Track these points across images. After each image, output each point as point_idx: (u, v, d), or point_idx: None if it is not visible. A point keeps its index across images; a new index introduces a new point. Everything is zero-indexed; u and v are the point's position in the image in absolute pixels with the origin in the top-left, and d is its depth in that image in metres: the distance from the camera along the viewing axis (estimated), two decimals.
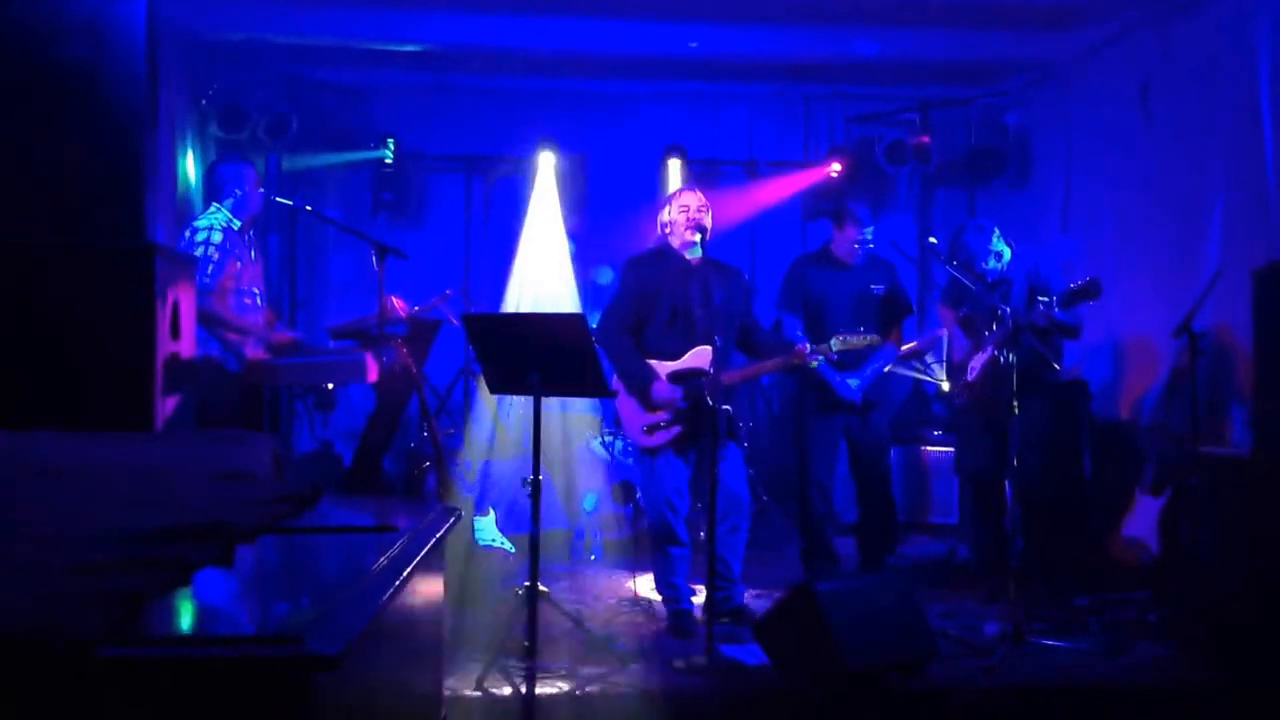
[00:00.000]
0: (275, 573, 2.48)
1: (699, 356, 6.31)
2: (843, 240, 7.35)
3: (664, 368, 6.40)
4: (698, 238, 6.34)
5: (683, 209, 6.49)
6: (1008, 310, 6.39)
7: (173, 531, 2.21)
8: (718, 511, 5.93)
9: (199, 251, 6.73)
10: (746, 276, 7.12)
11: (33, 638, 1.66)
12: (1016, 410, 6.11)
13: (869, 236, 7.31)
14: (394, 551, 2.50)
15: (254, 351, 6.88)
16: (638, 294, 6.51)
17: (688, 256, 6.47)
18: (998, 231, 7.24)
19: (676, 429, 6.36)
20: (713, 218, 6.56)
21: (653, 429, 6.39)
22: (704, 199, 6.56)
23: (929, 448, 9.27)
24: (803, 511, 7.46)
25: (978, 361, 6.97)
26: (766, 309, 10.13)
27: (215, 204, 7.04)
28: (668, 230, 6.56)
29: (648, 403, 6.38)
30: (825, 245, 7.54)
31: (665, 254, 6.56)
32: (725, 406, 6.16)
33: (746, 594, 6.69)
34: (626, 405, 6.50)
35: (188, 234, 6.87)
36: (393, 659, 2.47)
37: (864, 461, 7.43)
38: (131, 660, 1.68)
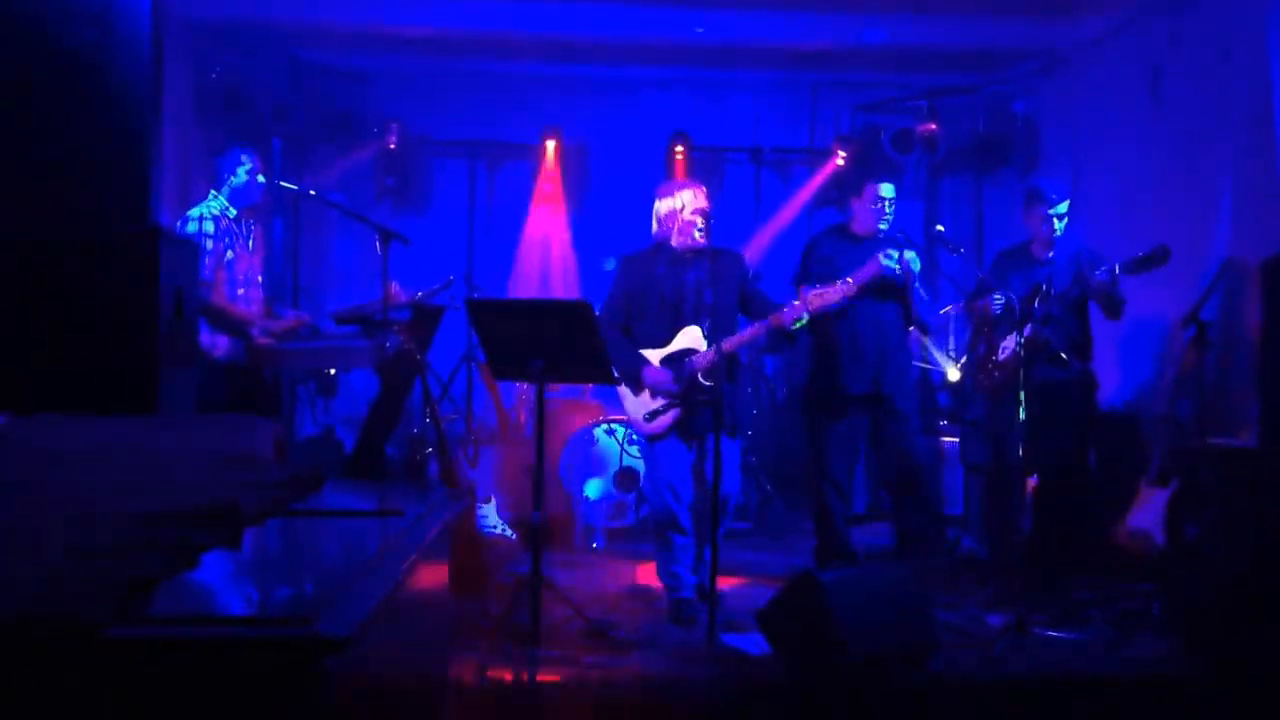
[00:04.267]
0: (283, 556, 2.47)
1: (686, 337, 6.38)
2: (860, 209, 7.01)
3: (656, 355, 6.44)
4: (701, 225, 6.35)
5: (679, 210, 6.44)
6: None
7: (181, 515, 2.19)
8: (704, 500, 6.25)
9: None
10: (743, 257, 6.94)
11: (43, 620, 1.65)
12: (1024, 400, 6.12)
13: (888, 194, 6.92)
14: (400, 535, 2.49)
15: (259, 337, 6.86)
16: (626, 291, 6.55)
17: (680, 248, 6.45)
18: (1067, 203, 7.04)
19: (675, 412, 6.36)
20: (707, 208, 6.45)
21: (653, 415, 6.39)
22: (705, 197, 6.48)
23: (936, 437, 9.24)
24: (818, 510, 7.18)
25: (1012, 340, 6.83)
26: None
27: (213, 191, 7.02)
28: (666, 226, 6.51)
29: (639, 387, 6.43)
30: (846, 220, 7.24)
31: (659, 249, 6.53)
32: (711, 383, 6.18)
33: (748, 583, 6.71)
34: (627, 395, 6.52)
35: (179, 224, 6.84)
36: (399, 643, 2.46)
37: (891, 456, 7.07)
38: (140, 642, 1.67)
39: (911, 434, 7.15)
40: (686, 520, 6.48)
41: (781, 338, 6.79)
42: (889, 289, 6.86)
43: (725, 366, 6.25)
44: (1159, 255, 6.36)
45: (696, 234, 6.35)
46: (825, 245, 7.16)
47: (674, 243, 6.45)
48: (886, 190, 6.96)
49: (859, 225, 7.06)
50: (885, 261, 6.63)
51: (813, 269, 7.02)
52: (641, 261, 6.57)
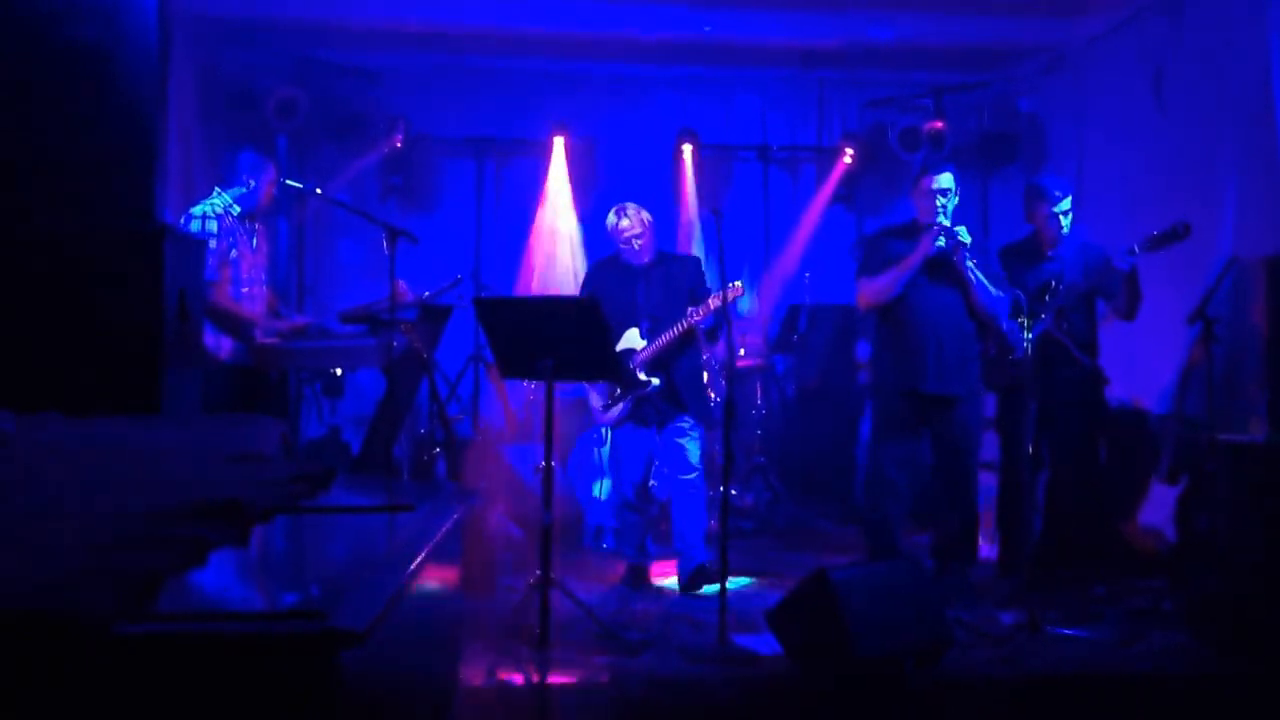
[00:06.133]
0: (293, 551, 2.45)
1: (627, 339, 7.03)
2: (918, 202, 6.83)
3: None
4: (636, 247, 7.09)
5: (615, 233, 7.16)
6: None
7: (190, 510, 2.17)
8: (667, 478, 7.20)
9: None
10: (698, 262, 7.42)
11: (50, 616, 1.63)
12: (1034, 397, 6.09)
13: (944, 184, 6.71)
14: (412, 530, 2.47)
15: (263, 337, 6.84)
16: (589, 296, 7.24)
17: (633, 262, 7.15)
18: (1070, 198, 6.99)
19: (626, 405, 7.05)
20: (646, 230, 7.13)
21: (606, 407, 7.13)
22: (637, 221, 7.09)
23: None
24: (870, 512, 7.05)
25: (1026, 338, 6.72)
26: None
27: (218, 189, 6.99)
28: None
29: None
30: (914, 216, 6.97)
31: (616, 259, 7.26)
32: (653, 379, 6.95)
33: (757, 583, 7.04)
34: (591, 391, 7.26)
35: (182, 219, 6.80)
36: (409, 640, 2.44)
37: (946, 459, 6.91)
38: (149, 637, 1.65)
39: (969, 438, 6.88)
40: (634, 498, 7.23)
41: (708, 338, 7.21)
42: (949, 280, 6.73)
43: (666, 360, 6.97)
44: (1178, 231, 6.28)
45: (636, 246, 7.09)
46: (888, 241, 6.96)
47: (623, 256, 7.19)
48: (942, 180, 6.74)
49: (921, 219, 6.84)
50: (937, 241, 6.61)
51: (874, 264, 6.91)
52: (602, 269, 7.36)
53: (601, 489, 8.32)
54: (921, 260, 6.65)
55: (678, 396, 7.01)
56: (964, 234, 6.57)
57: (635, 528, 7.26)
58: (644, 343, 6.99)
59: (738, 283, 6.59)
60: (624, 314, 7.01)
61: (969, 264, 6.59)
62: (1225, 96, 7.54)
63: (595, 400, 7.20)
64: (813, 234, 10.68)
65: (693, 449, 7.06)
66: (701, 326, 6.87)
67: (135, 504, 2.24)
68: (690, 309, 6.78)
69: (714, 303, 6.70)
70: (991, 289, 6.64)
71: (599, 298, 6.88)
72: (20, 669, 1.64)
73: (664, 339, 6.90)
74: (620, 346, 6.93)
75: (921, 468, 7.17)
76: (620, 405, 7.06)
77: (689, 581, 6.97)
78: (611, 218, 7.16)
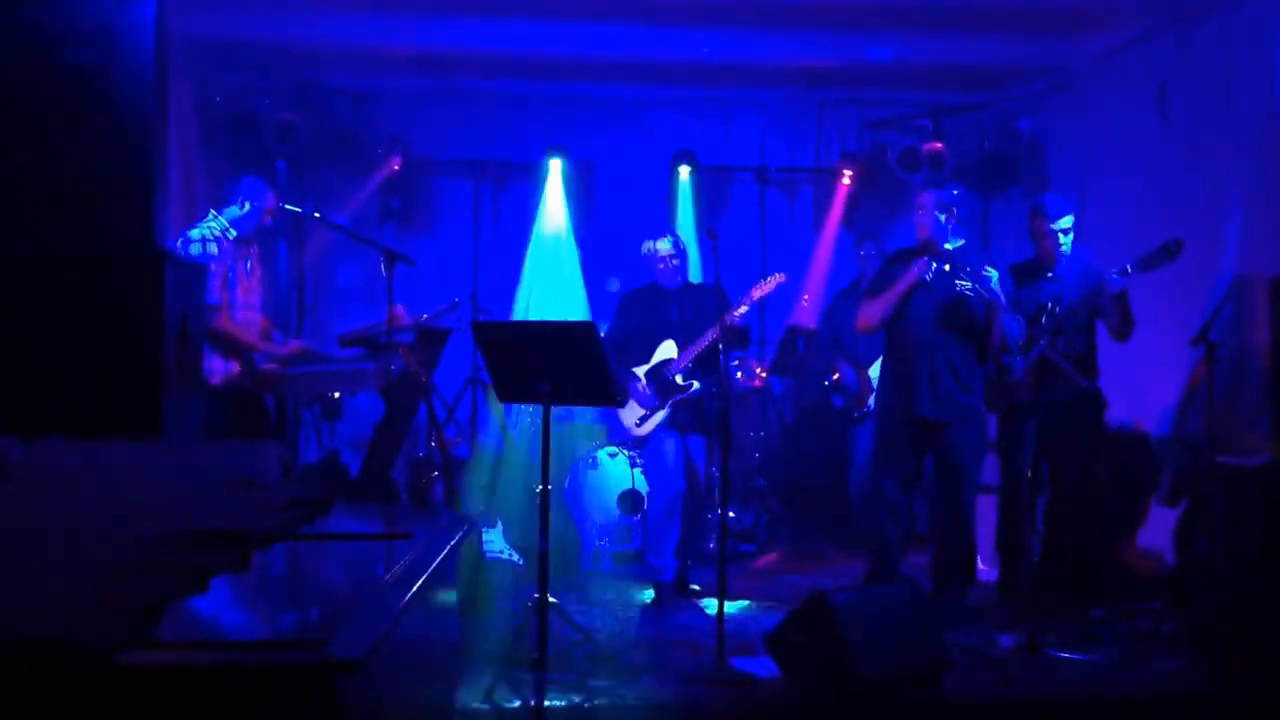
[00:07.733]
0: (293, 579, 2.45)
1: (664, 350, 7.37)
2: (914, 220, 6.90)
3: (641, 370, 7.39)
4: (671, 266, 7.45)
5: (652, 256, 7.52)
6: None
7: (192, 538, 2.17)
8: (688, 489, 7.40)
9: None
10: (725, 292, 7.15)
11: (55, 645, 1.63)
12: (1033, 419, 6.09)
13: (930, 202, 6.75)
14: (409, 558, 2.47)
15: (263, 362, 6.82)
16: (623, 324, 7.61)
17: (662, 285, 7.49)
18: (1071, 218, 7.02)
19: (666, 412, 7.29)
20: (681, 256, 7.55)
21: (644, 418, 7.32)
22: (674, 248, 7.47)
23: None
24: (869, 531, 7.08)
25: (1021, 360, 6.72)
26: (776, 320, 10.09)
27: (214, 211, 6.98)
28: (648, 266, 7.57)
29: (627, 400, 7.27)
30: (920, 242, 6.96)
31: (649, 287, 7.58)
32: (692, 383, 7.24)
33: (755, 606, 7.09)
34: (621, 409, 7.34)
35: (180, 242, 6.78)
36: (408, 666, 2.44)
37: (944, 481, 6.89)
38: (151, 667, 1.65)
39: (967, 461, 6.83)
40: (670, 507, 7.32)
41: (740, 339, 7.68)
42: (950, 306, 6.69)
43: (702, 367, 7.18)
44: (1171, 248, 6.28)
45: (671, 266, 7.44)
46: (891, 265, 6.99)
47: (658, 280, 7.50)
48: (930, 198, 6.79)
49: (919, 237, 6.89)
50: (924, 270, 6.64)
51: (874, 287, 6.99)
52: (633, 299, 7.66)
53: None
54: (908, 286, 6.65)
55: (703, 411, 7.31)
56: (992, 273, 6.49)
57: (664, 539, 7.36)
58: (679, 351, 7.30)
59: (780, 274, 7.09)
60: (658, 331, 7.40)
61: (993, 288, 6.52)
62: (1230, 116, 7.54)
63: (627, 417, 7.40)
64: (814, 256, 10.65)
65: (696, 474, 7.51)
66: (738, 324, 7.20)
67: (137, 531, 2.24)
68: (734, 302, 7.05)
69: (756, 293, 7.12)
70: (1013, 317, 6.60)
71: (634, 321, 7.47)
72: (24, 699, 1.64)
73: (701, 343, 7.13)
74: (657, 358, 7.36)
75: (921, 488, 7.19)
76: (663, 414, 7.31)
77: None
78: (650, 243, 7.52)
